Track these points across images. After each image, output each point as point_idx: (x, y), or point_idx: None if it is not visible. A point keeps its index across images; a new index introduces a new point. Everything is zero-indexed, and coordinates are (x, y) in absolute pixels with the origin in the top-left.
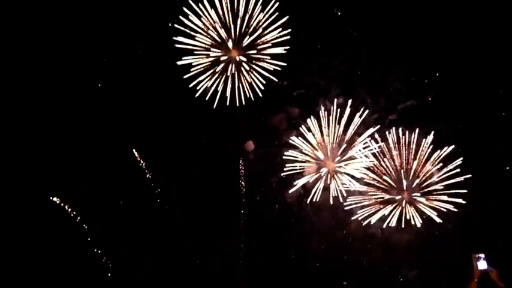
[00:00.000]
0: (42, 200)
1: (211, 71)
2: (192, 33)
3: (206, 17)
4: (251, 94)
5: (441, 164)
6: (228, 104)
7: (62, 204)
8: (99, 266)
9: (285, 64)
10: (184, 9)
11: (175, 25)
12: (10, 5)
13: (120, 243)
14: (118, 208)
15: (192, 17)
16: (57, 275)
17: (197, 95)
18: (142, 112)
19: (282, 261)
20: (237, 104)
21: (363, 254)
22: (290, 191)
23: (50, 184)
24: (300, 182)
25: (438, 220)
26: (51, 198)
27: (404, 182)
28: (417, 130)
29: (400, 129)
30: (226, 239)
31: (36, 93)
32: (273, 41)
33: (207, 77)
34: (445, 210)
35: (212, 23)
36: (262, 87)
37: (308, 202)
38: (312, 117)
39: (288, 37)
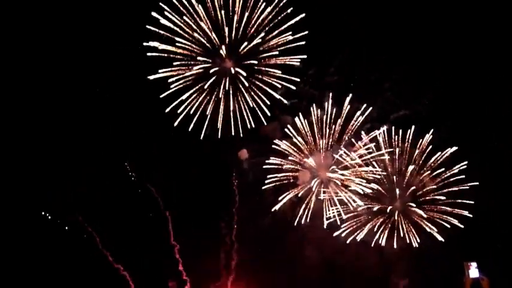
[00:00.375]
0: (42, 201)
1: (197, 87)
2: (170, 36)
3: (190, 14)
4: (251, 121)
5: (442, 169)
6: (219, 136)
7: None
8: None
9: (299, 80)
10: (161, 4)
11: (148, 26)
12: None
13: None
14: (114, 211)
15: (171, 14)
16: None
17: (176, 122)
18: (139, 120)
19: (274, 268)
20: (232, 133)
21: (356, 261)
22: (274, 209)
23: (50, 184)
24: (286, 197)
25: (440, 238)
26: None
27: (397, 191)
28: (412, 132)
29: (393, 129)
30: (219, 246)
31: (37, 96)
32: (282, 47)
33: (191, 95)
34: (448, 226)
35: (198, 21)
36: (268, 112)
37: (300, 216)
38: (301, 117)
39: (303, 42)
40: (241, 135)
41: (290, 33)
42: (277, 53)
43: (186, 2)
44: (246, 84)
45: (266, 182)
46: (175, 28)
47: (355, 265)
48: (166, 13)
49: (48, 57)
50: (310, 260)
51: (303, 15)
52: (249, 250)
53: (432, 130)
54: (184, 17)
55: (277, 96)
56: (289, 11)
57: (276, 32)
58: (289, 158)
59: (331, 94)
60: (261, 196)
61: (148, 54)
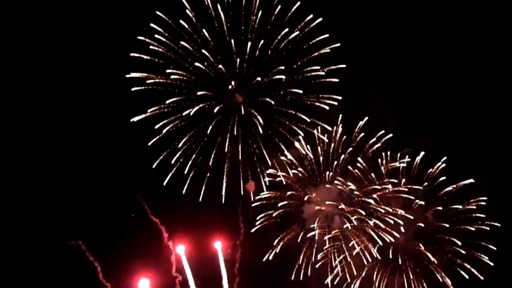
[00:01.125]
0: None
1: (195, 131)
2: (163, 64)
3: (191, 37)
4: (267, 181)
5: (458, 207)
6: (223, 201)
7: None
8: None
9: (331, 129)
10: (152, 25)
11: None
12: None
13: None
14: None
15: (164, 37)
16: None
17: (166, 180)
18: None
19: None
20: (241, 192)
21: None
22: (266, 257)
23: (50, 184)
24: (279, 244)
25: None
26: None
27: (402, 229)
28: (418, 160)
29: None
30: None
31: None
32: (306, 83)
33: (187, 142)
34: (466, 276)
35: (200, 47)
36: (292, 174)
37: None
38: (305, 146)
39: (336, 80)
40: (252, 198)
41: (319, 67)
42: (301, 91)
43: (185, 24)
44: (261, 130)
45: (256, 223)
46: (171, 55)
47: None
48: (157, 36)
49: (47, 63)
50: None
51: (338, 44)
52: (251, 283)
53: (445, 158)
54: (182, 42)
55: (308, 157)
56: (323, 37)
57: (301, 62)
58: (289, 192)
59: (340, 116)
60: (265, 230)
61: (134, 89)
